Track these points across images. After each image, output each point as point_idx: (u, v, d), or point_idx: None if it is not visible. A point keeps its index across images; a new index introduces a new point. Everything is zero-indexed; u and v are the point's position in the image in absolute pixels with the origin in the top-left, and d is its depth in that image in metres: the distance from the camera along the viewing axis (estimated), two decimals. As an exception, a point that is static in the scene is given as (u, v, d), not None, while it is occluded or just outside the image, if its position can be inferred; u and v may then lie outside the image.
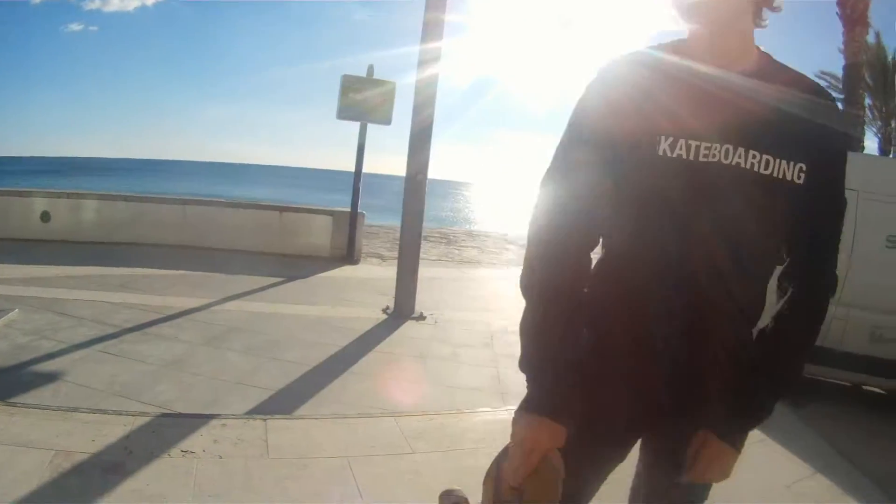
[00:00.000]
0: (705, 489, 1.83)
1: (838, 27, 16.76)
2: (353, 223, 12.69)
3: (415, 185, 9.05)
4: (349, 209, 12.89)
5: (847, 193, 4.90)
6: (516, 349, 5.86)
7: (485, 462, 4.59)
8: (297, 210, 13.39)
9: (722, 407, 1.65)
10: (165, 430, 4.20)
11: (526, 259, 1.72)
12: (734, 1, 1.54)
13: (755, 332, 1.73)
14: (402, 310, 8.70)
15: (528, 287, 1.72)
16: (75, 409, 4.36)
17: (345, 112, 12.75)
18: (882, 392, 7.73)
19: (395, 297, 8.82)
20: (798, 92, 1.58)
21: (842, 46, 17.12)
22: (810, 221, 1.63)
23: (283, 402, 5.25)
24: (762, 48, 1.64)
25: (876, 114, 28.21)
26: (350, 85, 12.65)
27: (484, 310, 9.85)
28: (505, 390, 6.18)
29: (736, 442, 1.67)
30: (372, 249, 14.42)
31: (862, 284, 6.95)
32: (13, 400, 4.53)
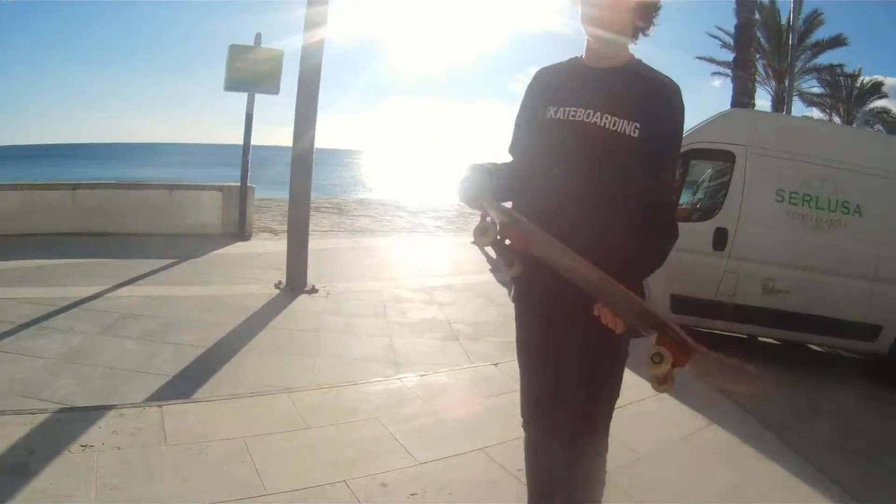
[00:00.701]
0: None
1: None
2: (244, 198, 12.64)
3: (302, 154, 9.13)
4: (239, 184, 12.84)
5: (735, 148, 7.50)
6: (409, 317, 6.38)
7: (380, 432, 4.88)
8: (186, 188, 13.20)
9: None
10: (65, 426, 4.26)
11: None
12: (619, 22, 2.37)
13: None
14: (295, 284, 8.84)
15: None
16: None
17: (232, 83, 12.68)
18: (776, 342, 8.22)
19: (287, 271, 8.96)
20: (647, 77, 2.40)
21: (735, 6, 17.21)
22: (646, 168, 2.31)
23: (181, 387, 5.34)
24: (635, 56, 2.48)
25: (770, 73, 29.29)
26: (237, 55, 12.54)
27: (376, 279, 10.12)
28: (399, 359, 6.45)
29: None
30: (263, 224, 14.41)
31: (753, 238, 7.34)
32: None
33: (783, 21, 28.32)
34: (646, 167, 2.30)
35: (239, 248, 11.82)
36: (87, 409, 4.63)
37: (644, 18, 2.42)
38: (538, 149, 2.47)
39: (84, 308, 7.32)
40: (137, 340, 6.41)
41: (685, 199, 8.49)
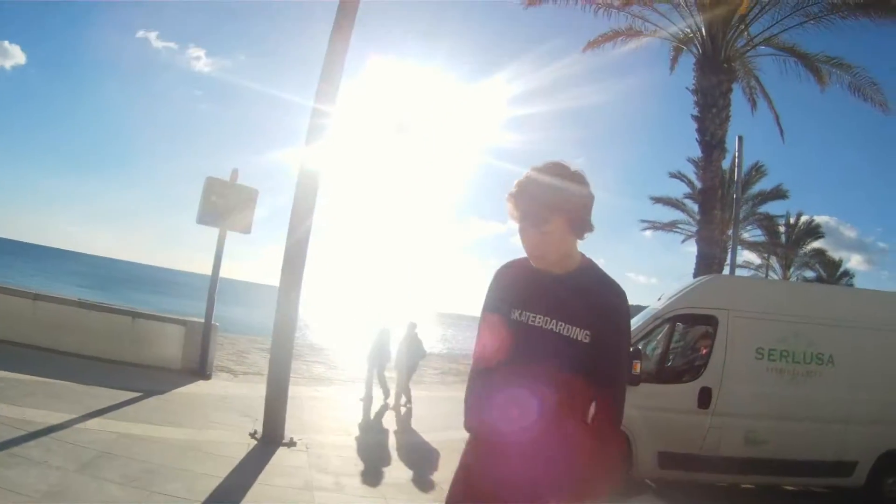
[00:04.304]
0: None
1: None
2: (207, 336, 11.87)
3: (287, 302, 8.68)
4: (202, 319, 12.10)
5: (718, 313, 8.03)
6: (395, 476, 5.72)
7: None
8: (149, 317, 12.41)
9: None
10: None
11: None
12: (554, 252, 2.52)
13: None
14: (272, 435, 8.15)
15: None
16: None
17: (205, 217, 12.08)
18: (751, 486, 8.39)
19: (265, 421, 8.29)
20: (595, 286, 2.54)
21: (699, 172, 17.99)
22: (595, 374, 2.47)
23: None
24: (585, 255, 2.62)
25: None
26: (213, 189, 12.03)
27: (348, 433, 9.60)
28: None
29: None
30: (220, 362, 13.50)
31: (735, 394, 7.59)
32: None
33: (725, 175, 28.40)
34: (595, 366, 2.47)
35: (202, 387, 10.98)
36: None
37: (579, 231, 2.55)
38: (505, 343, 2.60)
39: (55, 438, 6.50)
40: (122, 486, 5.64)
41: (671, 362, 8.76)
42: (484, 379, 2.68)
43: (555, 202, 2.47)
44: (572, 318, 2.47)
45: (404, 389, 12.62)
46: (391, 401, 12.58)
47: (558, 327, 2.49)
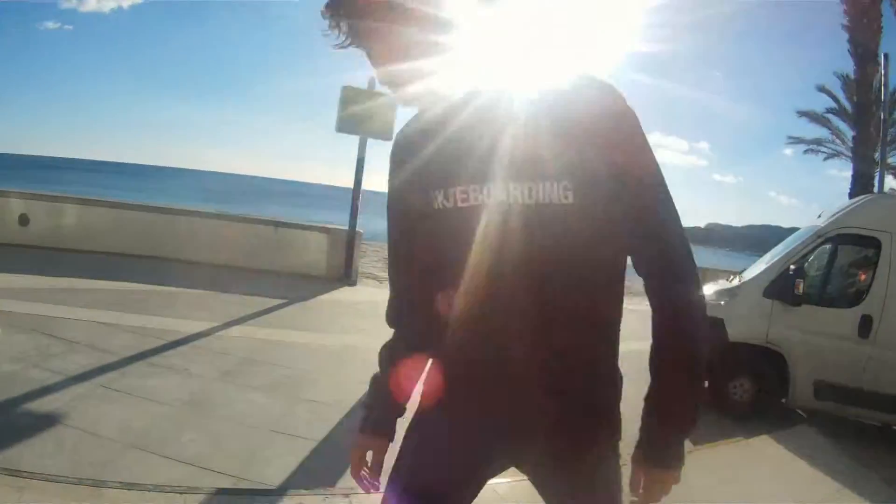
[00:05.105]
0: None
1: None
2: (351, 242, 11.67)
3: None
4: (345, 227, 11.90)
5: (881, 235, 7.18)
6: None
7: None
8: (292, 226, 12.33)
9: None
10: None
11: None
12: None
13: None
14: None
15: None
16: (102, 483, 3.25)
17: (344, 125, 11.76)
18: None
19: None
20: (552, 100, 1.37)
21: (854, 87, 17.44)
22: (626, 236, 1.41)
23: (332, 459, 4.20)
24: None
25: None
26: (350, 97, 11.68)
27: None
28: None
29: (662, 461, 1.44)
30: (365, 269, 13.31)
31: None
32: (16, 464, 3.41)
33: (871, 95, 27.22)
34: (631, 235, 1.41)
35: (347, 294, 10.75)
36: (252, 492, 3.55)
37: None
38: (432, 259, 1.52)
39: (195, 346, 6.31)
40: (264, 392, 5.33)
41: (831, 284, 7.93)
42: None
43: None
44: (536, 169, 1.36)
45: None
46: None
47: (513, 194, 1.37)
